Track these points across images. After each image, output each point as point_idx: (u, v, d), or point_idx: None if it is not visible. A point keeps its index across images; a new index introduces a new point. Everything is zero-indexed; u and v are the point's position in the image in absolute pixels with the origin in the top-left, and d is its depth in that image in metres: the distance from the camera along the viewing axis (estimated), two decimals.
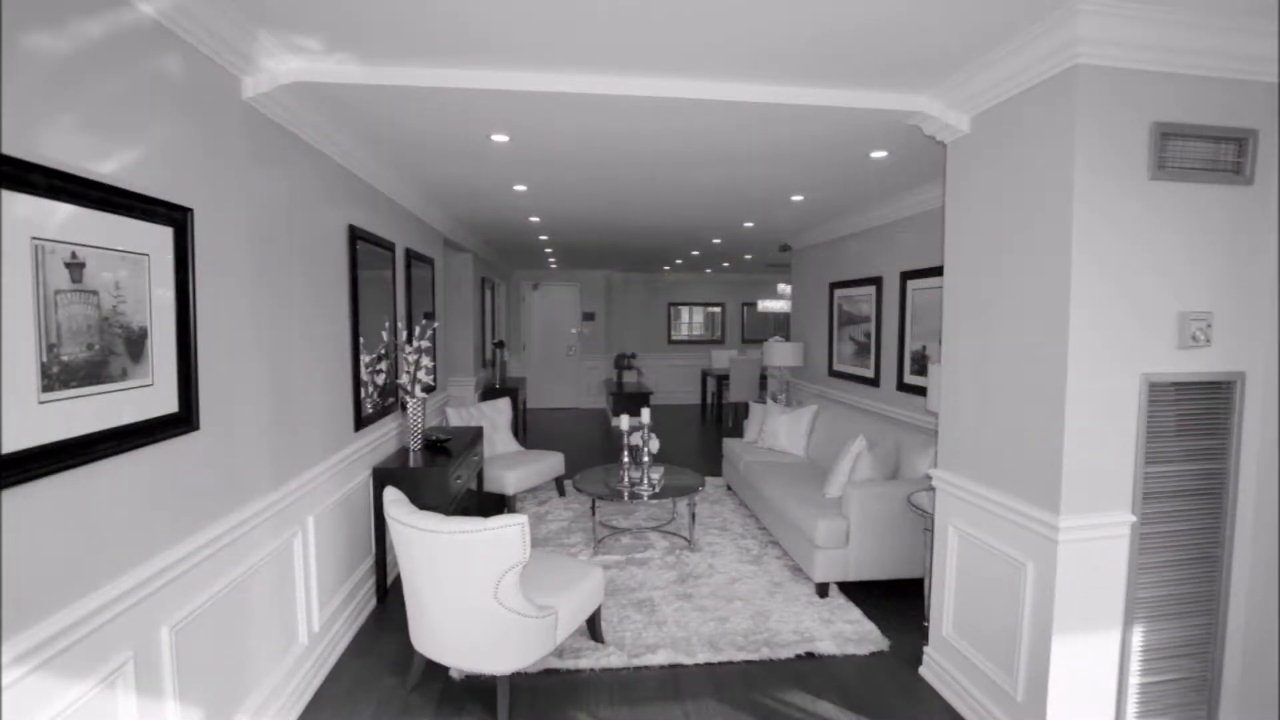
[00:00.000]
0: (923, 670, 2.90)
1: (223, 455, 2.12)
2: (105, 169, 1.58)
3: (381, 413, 3.76)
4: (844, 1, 1.92)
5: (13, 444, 1.30)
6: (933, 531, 2.90)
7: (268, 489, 2.42)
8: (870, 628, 3.28)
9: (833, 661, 3.01)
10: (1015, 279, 2.34)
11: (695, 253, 8.61)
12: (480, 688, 2.77)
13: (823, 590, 3.65)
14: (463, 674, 2.84)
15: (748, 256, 8.98)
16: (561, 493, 5.64)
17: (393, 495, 2.67)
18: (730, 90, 2.58)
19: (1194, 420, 2.20)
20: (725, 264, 10.16)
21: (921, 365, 4.49)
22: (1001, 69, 2.28)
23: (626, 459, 4.52)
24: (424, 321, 4.69)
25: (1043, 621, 2.21)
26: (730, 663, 2.98)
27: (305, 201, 2.79)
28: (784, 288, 10.17)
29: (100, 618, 1.53)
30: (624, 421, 4.57)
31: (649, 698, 2.72)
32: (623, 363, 9.65)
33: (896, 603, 3.58)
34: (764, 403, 6.51)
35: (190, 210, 1.90)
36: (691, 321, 12.21)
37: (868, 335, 5.29)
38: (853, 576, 3.63)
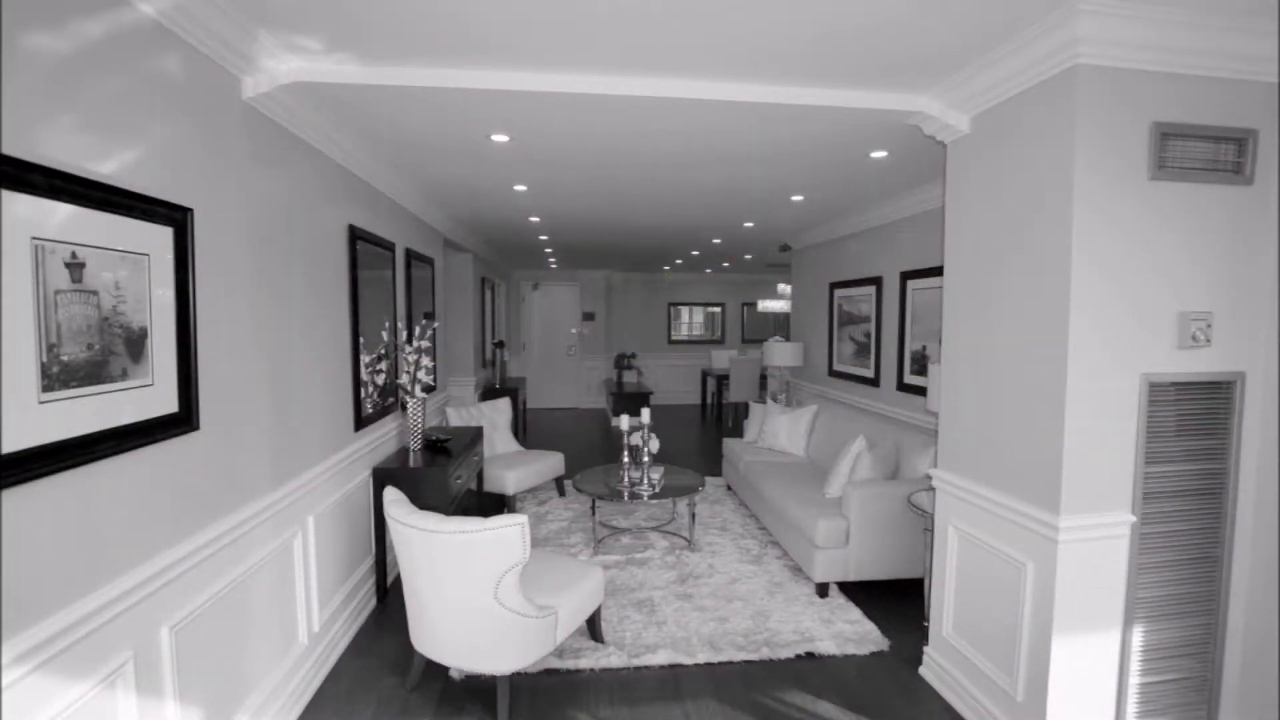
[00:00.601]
0: (923, 670, 2.90)
1: (223, 455, 2.12)
2: (105, 169, 1.58)
3: (381, 413, 3.76)
4: (844, 1, 1.92)
5: (13, 444, 1.30)
6: (933, 531, 2.90)
7: (268, 489, 2.42)
8: (870, 628, 3.28)
9: (833, 661, 3.01)
10: (1015, 279, 2.34)
11: (695, 253, 8.61)
12: (480, 688, 2.77)
13: (823, 590, 3.65)
14: (463, 674, 2.84)
15: (748, 256, 8.98)
16: (561, 493, 5.64)
17: (393, 495, 2.67)
18: (730, 90, 2.58)
19: (1194, 420, 2.20)
20: (725, 264, 10.16)
21: (921, 365, 4.49)
22: (1001, 69, 2.28)
23: (626, 459, 4.52)
24: (424, 321, 4.69)
25: (1043, 621, 2.21)
26: (730, 663, 2.98)
27: (305, 201, 2.79)
28: (784, 288, 10.17)
29: (100, 618, 1.53)
30: (624, 421, 4.57)
31: (649, 698, 2.72)
32: (623, 363, 9.65)
33: (896, 603, 3.58)
34: (764, 403, 6.51)
35: (190, 210, 1.90)
36: (691, 321, 12.20)
37: (868, 335, 5.28)
38: (853, 576, 3.63)
